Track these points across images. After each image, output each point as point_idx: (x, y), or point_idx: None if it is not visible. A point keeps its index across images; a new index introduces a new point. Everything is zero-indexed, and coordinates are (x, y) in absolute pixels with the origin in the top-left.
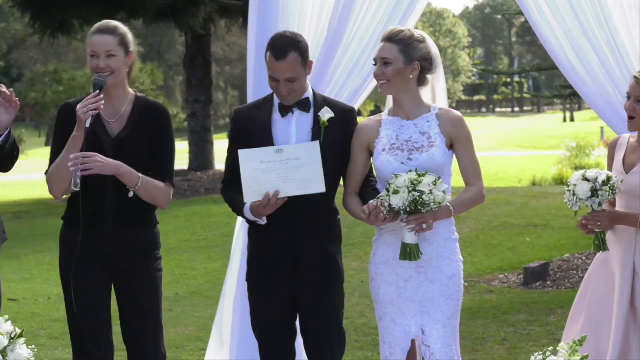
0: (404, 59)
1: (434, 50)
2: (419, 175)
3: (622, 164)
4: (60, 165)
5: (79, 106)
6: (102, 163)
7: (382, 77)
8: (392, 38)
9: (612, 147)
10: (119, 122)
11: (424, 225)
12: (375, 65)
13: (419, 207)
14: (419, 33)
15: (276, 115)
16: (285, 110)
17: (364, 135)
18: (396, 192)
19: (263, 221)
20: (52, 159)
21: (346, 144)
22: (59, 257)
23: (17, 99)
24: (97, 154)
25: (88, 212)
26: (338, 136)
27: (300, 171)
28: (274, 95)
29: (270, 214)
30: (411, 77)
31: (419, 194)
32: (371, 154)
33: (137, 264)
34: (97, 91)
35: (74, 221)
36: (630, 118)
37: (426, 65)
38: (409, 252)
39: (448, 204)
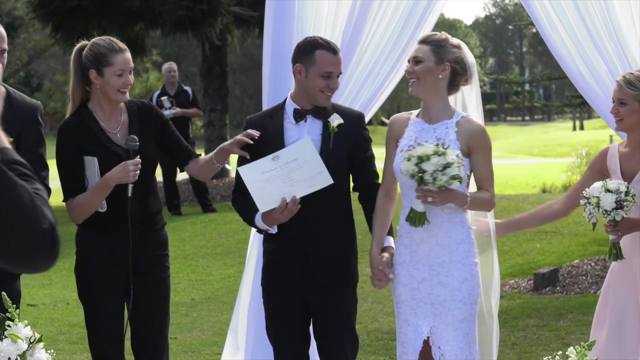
0: (434, 59)
1: (470, 59)
2: (436, 152)
3: (621, 174)
4: (89, 205)
5: (121, 172)
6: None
7: (412, 75)
8: (426, 40)
9: (602, 156)
10: (122, 132)
11: (429, 199)
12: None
13: (421, 184)
14: (456, 40)
15: (288, 122)
16: (299, 117)
17: (394, 130)
18: (407, 160)
19: (274, 230)
20: (68, 186)
21: (355, 149)
22: (76, 262)
23: None
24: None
25: (113, 216)
26: (347, 141)
27: (303, 170)
28: (285, 103)
29: (286, 221)
30: (440, 76)
31: (419, 172)
32: None
33: (152, 264)
34: (137, 157)
35: (91, 226)
36: (618, 120)
37: (458, 69)
38: (412, 217)
39: (467, 193)
